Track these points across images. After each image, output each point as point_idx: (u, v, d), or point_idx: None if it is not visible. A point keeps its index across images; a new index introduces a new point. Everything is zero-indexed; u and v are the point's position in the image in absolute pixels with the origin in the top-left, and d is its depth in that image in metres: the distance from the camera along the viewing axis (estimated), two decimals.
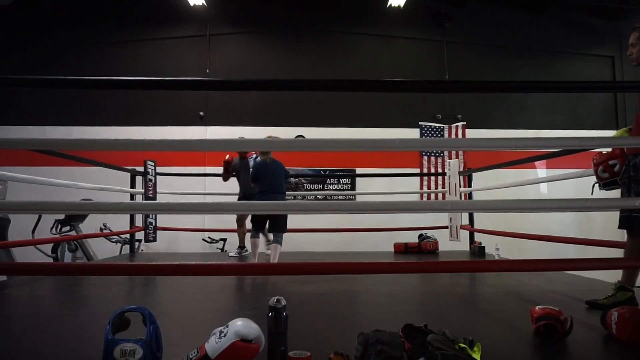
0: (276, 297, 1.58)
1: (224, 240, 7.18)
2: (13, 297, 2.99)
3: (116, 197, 5.19)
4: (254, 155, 4.65)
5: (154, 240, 5.38)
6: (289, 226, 4.85)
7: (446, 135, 8.11)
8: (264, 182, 4.10)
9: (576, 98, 8.44)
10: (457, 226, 5.31)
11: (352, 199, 7.49)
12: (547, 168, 7.86)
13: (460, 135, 8.07)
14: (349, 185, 7.94)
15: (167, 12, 8.03)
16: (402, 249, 5.43)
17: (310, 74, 7.74)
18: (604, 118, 8.41)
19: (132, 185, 5.25)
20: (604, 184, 2.52)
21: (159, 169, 5.44)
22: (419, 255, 5.23)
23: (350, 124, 7.78)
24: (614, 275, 2.49)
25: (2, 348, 1.78)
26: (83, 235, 5.63)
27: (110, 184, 4.89)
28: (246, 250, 5.06)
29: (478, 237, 5.28)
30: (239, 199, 4.86)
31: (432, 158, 8.12)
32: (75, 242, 5.97)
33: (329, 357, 1.47)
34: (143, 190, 5.14)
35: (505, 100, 8.43)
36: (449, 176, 5.42)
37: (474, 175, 5.52)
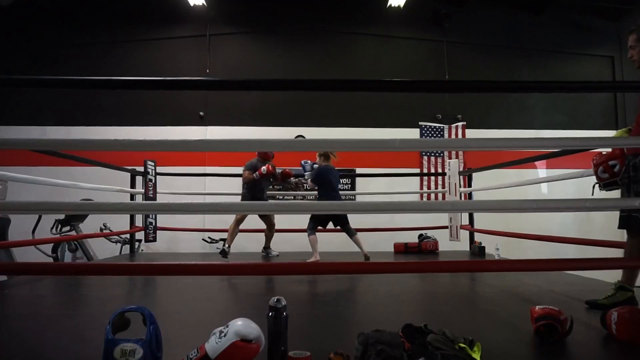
0: (276, 297, 1.58)
1: (224, 240, 7.17)
2: (13, 297, 2.99)
3: (116, 197, 5.20)
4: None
5: (154, 240, 5.38)
6: (289, 226, 4.86)
7: (446, 135, 8.11)
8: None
9: (576, 98, 8.45)
10: (457, 226, 5.31)
11: (352, 199, 7.49)
12: (547, 168, 7.86)
13: (460, 135, 8.07)
14: (349, 185, 7.94)
15: (167, 12, 8.03)
16: (402, 249, 5.43)
17: (310, 74, 7.74)
18: (604, 118, 8.41)
19: (132, 185, 5.25)
20: (604, 185, 2.52)
21: (159, 169, 5.44)
22: (419, 255, 5.23)
23: (350, 124, 7.78)
24: (614, 275, 2.49)
25: (2, 348, 1.78)
26: (83, 235, 5.63)
27: (110, 184, 4.89)
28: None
29: (478, 237, 5.28)
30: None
31: (432, 158, 8.12)
32: (75, 242, 5.97)
33: (329, 357, 1.47)
34: (143, 190, 5.14)
35: (505, 100, 8.43)
36: (449, 176, 5.42)
37: (474, 175, 5.52)
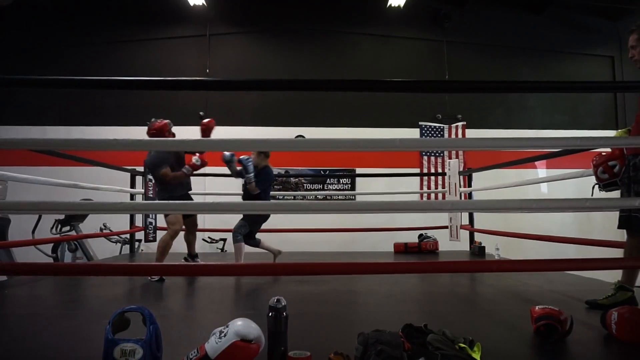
0: (276, 297, 1.58)
1: (224, 240, 7.18)
2: (13, 297, 2.99)
3: (116, 197, 5.19)
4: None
5: (154, 240, 5.37)
6: (288, 226, 4.75)
7: (446, 135, 8.11)
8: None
9: (576, 98, 8.44)
10: (457, 226, 5.30)
11: (352, 199, 7.48)
12: (547, 168, 7.86)
13: (460, 135, 8.07)
14: (349, 185, 7.94)
15: (167, 12, 8.03)
16: (402, 249, 5.43)
17: (310, 74, 7.74)
18: (604, 118, 8.41)
19: (132, 185, 5.25)
20: (604, 185, 2.52)
21: None
22: (419, 255, 5.23)
23: (350, 124, 7.78)
24: (614, 275, 2.49)
25: (2, 348, 1.78)
26: (83, 235, 5.63)
27: (110, 184, 4.89)
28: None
29: (478, 237, 5.28)
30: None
31: (432, 158, 8.12)
32: (75, 242, 5.97)
33: (329, 357, 1.47)
34: (143, 190, 5.14)
35: (505, 100, 8.43)
36: (449, 176, 5.42)
37: (474, 175, 5.52)
